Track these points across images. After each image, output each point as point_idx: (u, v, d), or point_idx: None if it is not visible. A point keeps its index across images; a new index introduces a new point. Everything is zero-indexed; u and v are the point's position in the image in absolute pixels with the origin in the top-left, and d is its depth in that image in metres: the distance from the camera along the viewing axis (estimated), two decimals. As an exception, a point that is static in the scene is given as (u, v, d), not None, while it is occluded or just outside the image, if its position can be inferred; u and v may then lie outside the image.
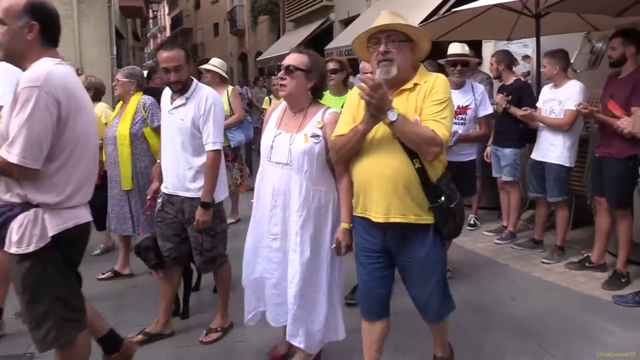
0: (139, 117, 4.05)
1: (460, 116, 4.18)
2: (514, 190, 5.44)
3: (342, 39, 12.16)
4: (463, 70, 4.23)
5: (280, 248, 2.63)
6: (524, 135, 5.21)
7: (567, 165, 4.69)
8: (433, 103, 2.22)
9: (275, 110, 2.76)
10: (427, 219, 2.31)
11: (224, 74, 5.65)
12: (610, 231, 4.47)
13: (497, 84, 6.02)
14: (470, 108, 4.21)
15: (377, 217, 2.31)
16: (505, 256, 5.04)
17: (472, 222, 5.99)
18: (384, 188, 2.26)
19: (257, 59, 20.56)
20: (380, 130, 2.25)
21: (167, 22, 47.67)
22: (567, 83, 4.67)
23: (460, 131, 4.10)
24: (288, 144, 2.56)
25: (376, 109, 2.10)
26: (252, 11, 23.56)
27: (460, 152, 4.16)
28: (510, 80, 5.36)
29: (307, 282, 2.56)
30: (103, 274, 4.47)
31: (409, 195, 2.26)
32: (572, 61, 6.43)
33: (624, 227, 4.20)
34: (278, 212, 2.59)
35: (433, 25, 6.48)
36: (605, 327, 3.57)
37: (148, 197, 3.47)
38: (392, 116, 2.09)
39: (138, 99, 4.09)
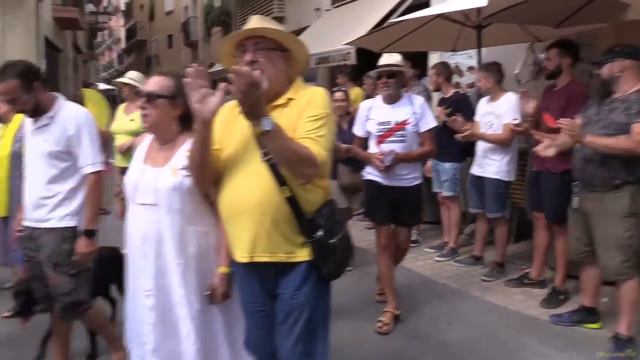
0: (21, 135, 3.68)
1: (399, 133, 3.76)
2: (455, 206, 5.29)
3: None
4: (390, 82, 3.76)
5: (155, 306, 2.19)
6: (464, 149, 5.08)
7: (506, 179, 4.57)
8: (309, 119, 1.92)
9: (143, 142, 2.36)
10: (302, 255, 1.97)
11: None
12: (549, 247, 4.35)
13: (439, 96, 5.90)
14: (409, 123, 3.75)
15: (242, 256, 1.98)
16: (445, 274, 4.86)
17: (414, 238, 5.80)
18: (248, 222, 1.93)
19: (208, 70, 20.21)
20: (245, 154, 1.94)
21: (123, 33, 46.68)
22: (504, 96, 4.56)
23: (399, 150, 3.70)
24: (153, 180, 2.18)
25: (249, 112, 1.72)
26: (205, 22, 23.22)
27: (403, 175, 3.76)
28: (450, 92, 5.23)
29: (204, 337, 2.20)
30: (9, 311, 4.05)
31: (277, 230, 1.92)
32: (517, 72, 6.43)
33: (562, 243, 4.08)
34: (150, 263, 2.18)
35: (376, 36, 6.31)
36: (541, 351, 3.42)
37: (15, 229, 3.05)
38: (266, 124, 1.72)
39: (22, 116, 3.73)
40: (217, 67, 18.34)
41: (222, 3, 20.91)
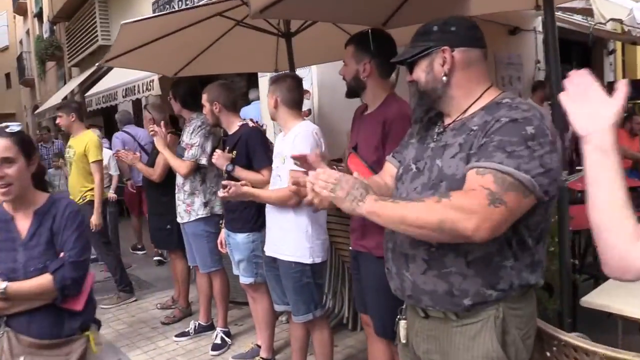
0: None
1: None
2: (260, 296, 3.49)
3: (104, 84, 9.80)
4: None
5: None
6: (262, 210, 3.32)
7: (309, 262, 2.81)
8: None
9: None
10: None
11: None
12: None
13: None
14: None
15: None
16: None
17: (218, 340, 3.94)
18: None
19: (35, 112, 17.26)
20: None
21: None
22: (294, 127, 2.84)
23: None
24: None
25: None
26: (38, 57, 20.18)
27: None
28: (235, 126, 3.47)
29: None
30: None
31: None
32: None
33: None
34: None
35: (151, 54, 4.35)
36: None
37: None
38: None
39: None
40: (42, 109, 15.56)
41: (50, 34, 18.15)
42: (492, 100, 1.53)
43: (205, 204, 3.92)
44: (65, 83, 17.65)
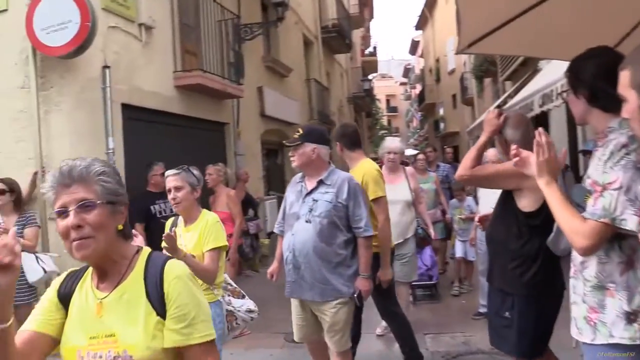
0: None
1: None
2: None
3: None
4: None
5: None
6: None
7: None
8: None
9: None
10: None
11: None
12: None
13: None
14: None
15: None
16: None
17: None
18: None
19: (467, 130, 16.88)
20: None
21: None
22: None
23: None
24: None
25: None
26: (475, 76, 20.13)
27: None
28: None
29: None
30: None
31: None
32: None
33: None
34: None
35: None
36: None
37: None
38: None
39: None
40: (474, 125, 15.05)
41: (486, 49, 17.70)
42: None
43: (631, 316, 1.83)
44: (499, 99, 16.87)
